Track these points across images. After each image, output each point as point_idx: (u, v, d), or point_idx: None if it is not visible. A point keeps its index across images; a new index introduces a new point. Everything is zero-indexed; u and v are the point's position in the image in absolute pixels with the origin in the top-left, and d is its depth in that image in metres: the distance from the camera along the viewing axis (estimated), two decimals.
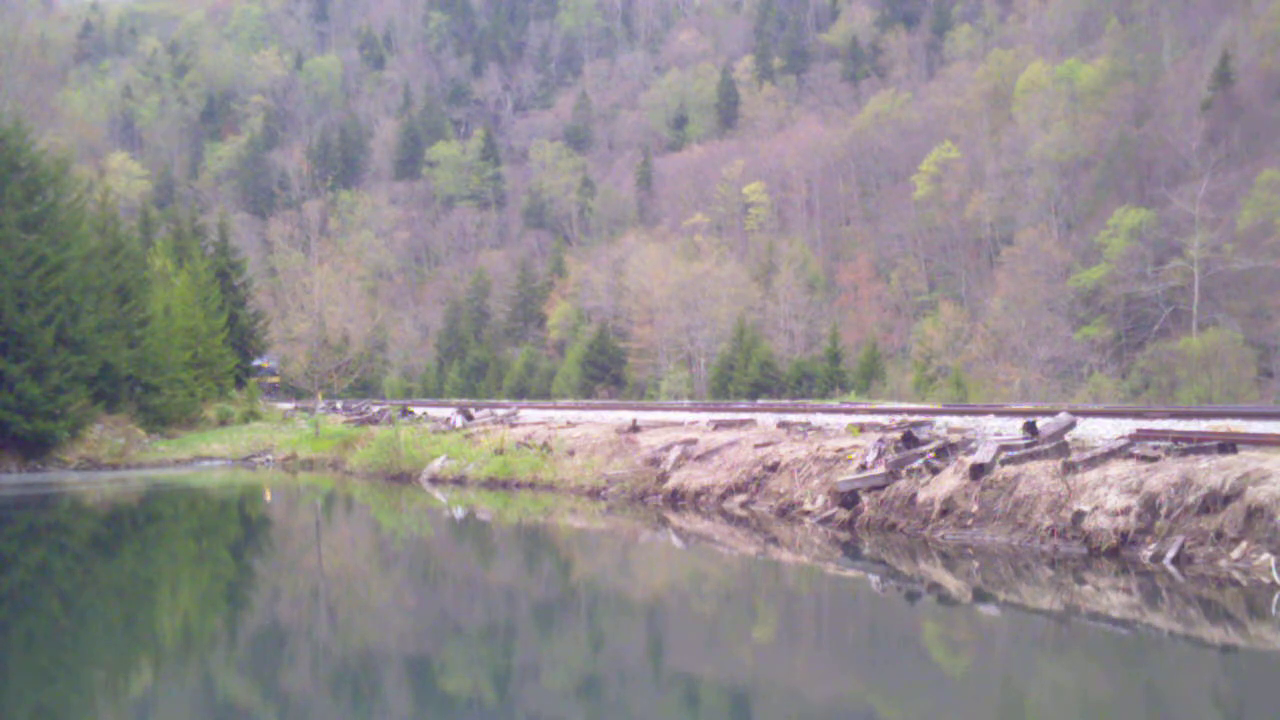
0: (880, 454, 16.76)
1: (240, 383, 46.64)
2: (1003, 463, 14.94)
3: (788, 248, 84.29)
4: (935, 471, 15.66)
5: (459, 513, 22.04)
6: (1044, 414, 19.23)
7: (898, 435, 17.41)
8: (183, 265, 46.34)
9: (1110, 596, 11.66)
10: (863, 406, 30.64)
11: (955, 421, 20.12)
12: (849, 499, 16.30)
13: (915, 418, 21.07)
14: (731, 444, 20.38)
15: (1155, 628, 10.60)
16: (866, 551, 14.82)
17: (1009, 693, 9.27)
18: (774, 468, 18.74)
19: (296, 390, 55.17)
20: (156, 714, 9.30)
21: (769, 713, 8.89)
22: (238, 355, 48.26)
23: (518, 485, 23.66)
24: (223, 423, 41.07)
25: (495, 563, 16.95)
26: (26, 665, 10.56)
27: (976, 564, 13.46)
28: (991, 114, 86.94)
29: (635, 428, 24.29)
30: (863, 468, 16.80)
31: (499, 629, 12.26)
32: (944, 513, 14.95)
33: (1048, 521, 13.67)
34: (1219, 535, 12.13)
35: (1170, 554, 12.22)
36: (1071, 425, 16.22)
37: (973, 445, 16.03)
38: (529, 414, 32.84)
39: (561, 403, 50.43)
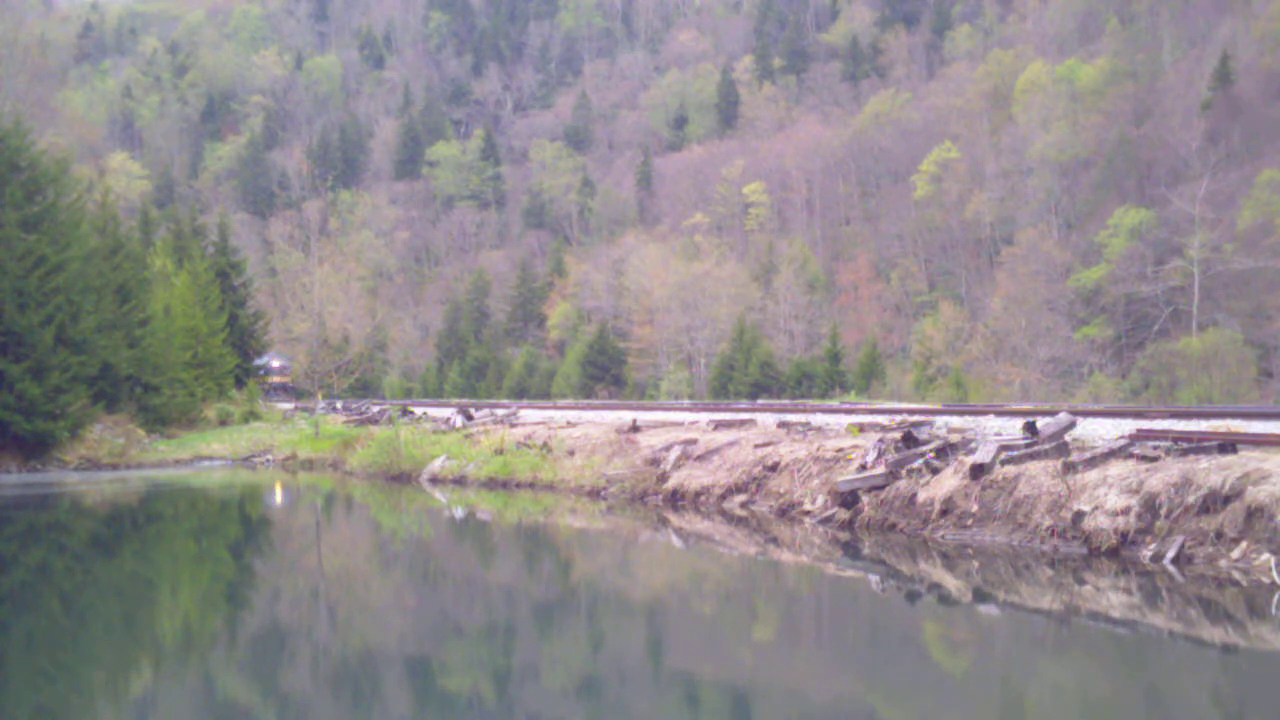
0: (880, 454, 16.76)
1: (240, 383, 46.64)
2: (1003, 463, 14.94)
3: (788, 248, 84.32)
4: (935, 471, 15.66)
5: (459, 513, 22.05)
6: (1044, 414, 19.23)
7: (898, 435, 17.41)
8: (183, 265, 46.33)
9: (1110, 596, 11.66)
10: (863, 406, 30.63)
11: (955, 421, 20.12)
12: (849, 499, 16.30)
13: (915, 418, 21.07)
14: (731, 444, 20.38)
15: (1155, 628, 10.60)
16: (866, 551, 14.82)
17: (1009, 693, 9.27)
18: (774, 468, 18.74)
19: (297, 390, 55.24)
20: (156, 714, 9.30)
21: (769, 713, 8.89)
22: (238, 355, 48.26)
23: (518, 485, 23.66)
24: (223, 423, 41.07)
25: (495, 563, 16.95)
26: (26, 665, 10.56)
27: (976, 564, 13.46)
28: (991, 114, 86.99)
29: (635, 428, 24.29)
30: (863, 468, 16.80)
31: (499, 629, 12.26)
32: (944, 513, 14.95)
33: (1048, 521, 13.67)
34: (1219, 535, 12.13)
35: (1170, 554, 12.22)
36: (1071, 425, 16.22)
37: (973, 445, 16.03)
38: (529, 414, 32.84)
39: (561, 403, 50.43)
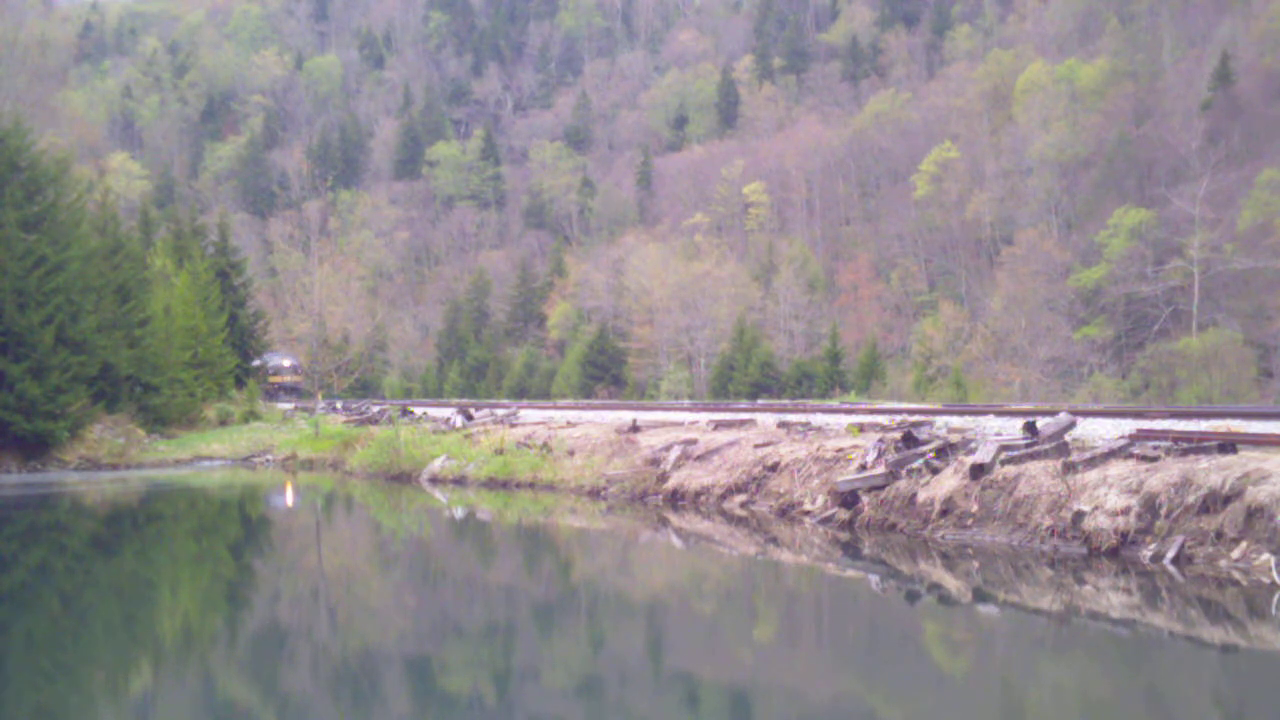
0: (880, 454, 16.76)
1: (240, 383, 46.62)
2: (1003, 463, 14.94)
3: (788, 248, 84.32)
4: (935, 471, 15.66)
5: (459, 513, 22.05)
6: (1044, 414, 19.23)
7: (898, 435, 17.40)
8: (183, 265, 46.32)
9: (1110, 596, 11.66)
10: (863, 406, 30.63)
11: (955, 421, 20.12)
12: (849, 499, 16.30)
13: (915, 418, 21.07)
14: (731, 444, 20.38)
15: (1155, 628, 10.60)
16: (866, 551, 14.82)
17: (1009, 693, 9.27)
18: (774, 468, 18.74)
19: (309, 391, 54.93)
20: (156, 714, 9.30)
21: (769, 713, 8.89)
22: (238, 355, 48.23)
23: (518, 485, 23.66)
24: (223, 423, 41.05)
25: (495, 563, 16.95)
26: (26, 665, 10.56)
27: (976, 564, 13.46)
28: (991, 114, 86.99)
29: (635, 428, 24.29)
30: (863, 468, 16.80)
31: (499, 629, 12.25)
32: (944, 513, 14.95)
33: (1048, 521, 13.67)
34: (1219, 535, 12.13)
35: (1170, 554, 12.22)
36: (1071, 425, 16.22)
37: (973, 445, 16.03)
38: (529, 414, 32.83)
39: (561, 403, 50.42)
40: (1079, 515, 13.31)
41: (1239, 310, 53.01)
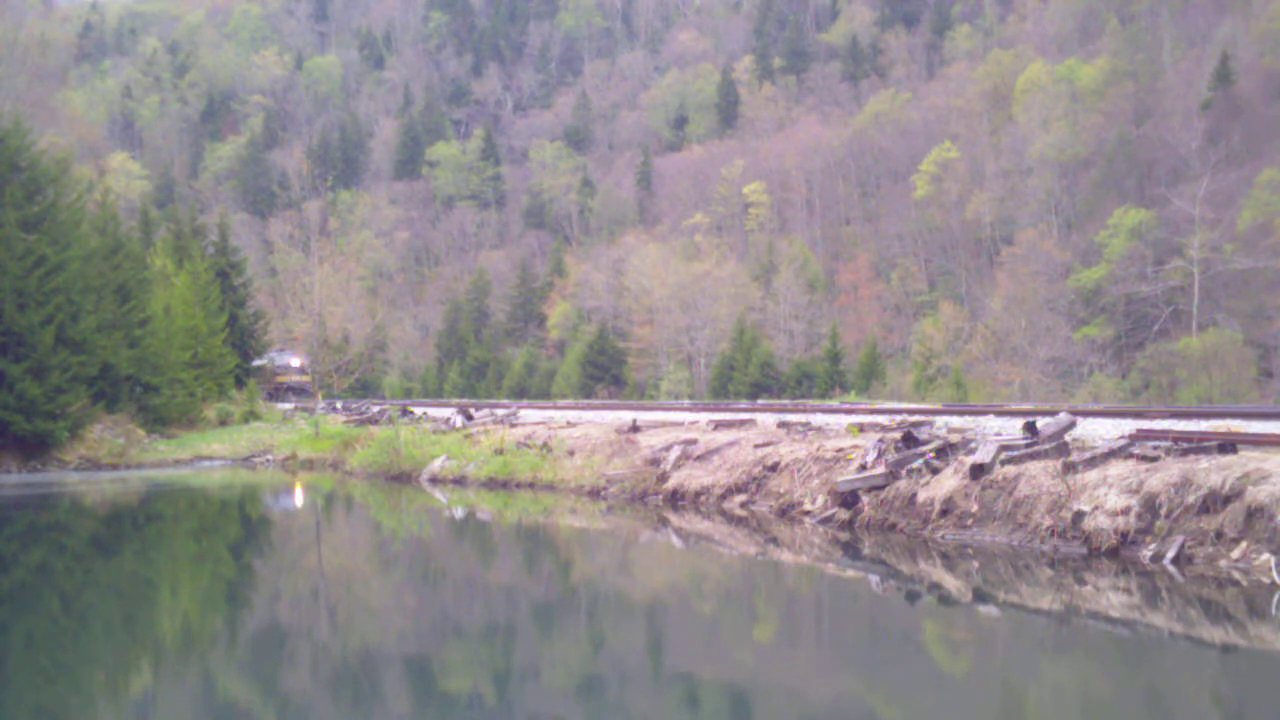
0: (880, 454, 16.76)
1: (240, 383, 46.61)
2: (1003, 463, 14.94)
3: (788, 248, 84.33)
4: (935, 471, 15.66)
5: (459, 513, 22.05)
6: (1044, 414, 19.23)
7: (898, 435, 17.40)
8: (183, 265, 46.32)
9: (1110, 596, 11.66)
10: (863, 406, 30.63)
11: (955, 421, 20.12)
12: (849, 499, 16.30)
13: (915, 418, 21.07)
14: (731, 444, 20.38)
15: (1155, 628, 10.60)
16: (866, 551, 14.82)
17: (1009, 693, 9.27)
18: (774, 468, 18.73)
19: (306, 390, 54.68)
20: (156, 714, 9.30)
21: (769, 713, 8.89)
22: (238, 355, 48.22)
23: (518, 485, 23.66)
24: (223, 423, 41.06)
25: (495, 563, 16.94)
26: (26, 665, 10.56)
27: (976, 564, 13.46)
28: (991, 114, 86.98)
29: (635, 428, 24.29)
30: (863, 468, 16.80)
31: (499, 629, 12.25)
32: (944, 513, 14.95)
33: (1048, 521, 13.67)
34: (1219, 535, 12.13)
35: (1170, 554, 12.22)
36: (1071, 425, 16.22)
37: (973, 445, 16.03)
38: (529, 414, 32.83)
39: (561, 403, 50.42)
40: (1079, 515, 13.31)
41: (1239, 310, 53.00)
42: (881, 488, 16.04)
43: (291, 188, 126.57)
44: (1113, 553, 12.80)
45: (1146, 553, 12.48)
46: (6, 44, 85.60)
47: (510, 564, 16.78)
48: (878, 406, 30.07)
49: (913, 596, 12.60)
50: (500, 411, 33.46)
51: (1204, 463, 12.96)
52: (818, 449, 18.39)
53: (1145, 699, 9.02)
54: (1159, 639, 10.32)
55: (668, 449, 21.20)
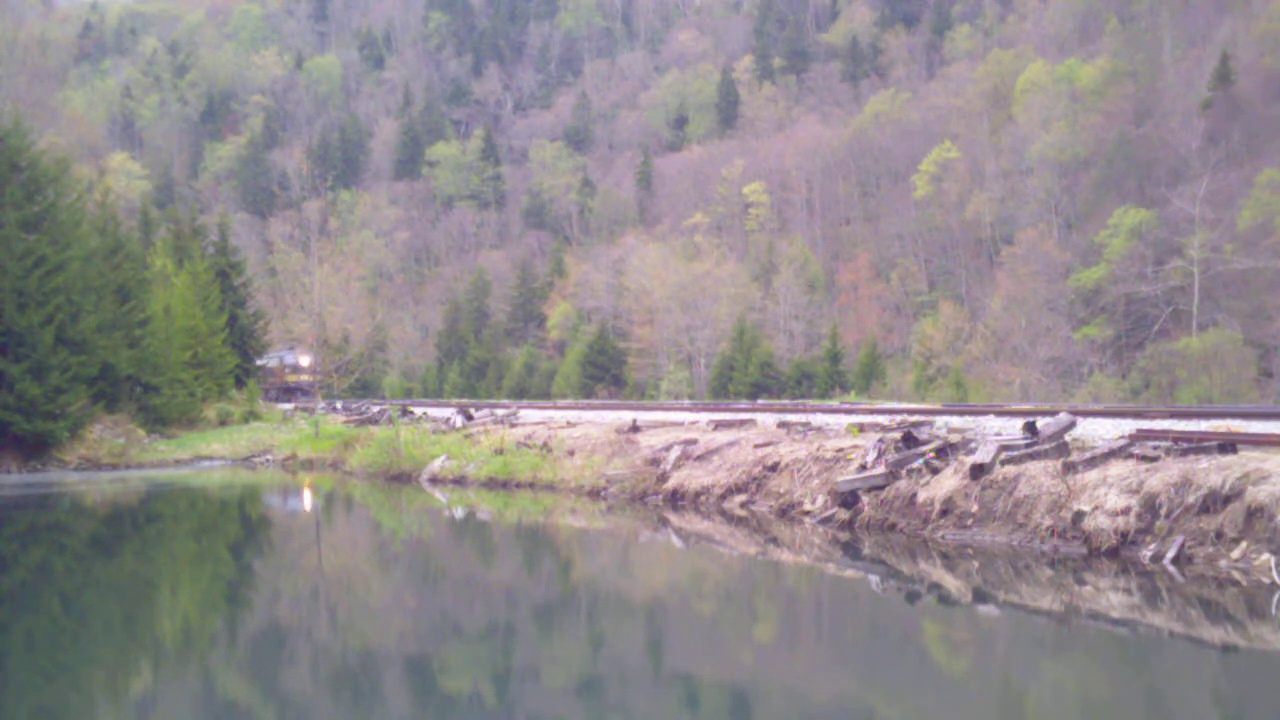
0: (880, 454, 16.76)
1: (240, 383, 46.61)
2: (1003, 463, 14.93)
3: (788, 248, 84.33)
4: (935, 471, 15.66)
5: (459, 513, 22.04)
6: (1044, 414, 19.23)
7: (898, 435, 17.40)
8: (183, 265, 46.32)
9: (1110, 596, 11.66)
10: (863, 406, 30.63)
11: (955, 421, 20.12)
12: (849, 499, 16.30)
13: (915, 418, 21.07)
14: (731, 444, 20.38)
15: (1155, 628, 10.60)
16: (866, 551, 14.82)
17: (1009, 693, 9.27)
18: (774, 468, 18.73)
19: (299, 390, 54.59)
20: (156, 714, 9.30)
21: (769, 713, 8.89)
22: (238, 355, 48.20)
23: (518, 485, 23.66)
24: (223, 423, 41.05)
25: (495, 563, 16.95)
26: (26, 665, 10.55)
27: (976, 564, 13.46)
28: (991, 114, 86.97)
29: (635, 428, 24.29)
30: (863, 468, 16.80)
31: (499, 629, 12.26)
32: (944, 513, 14.95)
33: (1048, 521, 13.66)
34: (1219, 535, 12.13)
35: (1170, 554, 12.22)
36: (1071, 425, 16.22)
37: (973, 445, 16.02)
38: (529, 414, 32.83)
39: (561, 403, 50.41)
40: (1079, 515, 13.31)
41: (1239, 310, 52.97)
42: (881, 488, 16.04)
43: (291, 188, 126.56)
44: (1113, 553, 12.80)
45: (1146, 553, 12.48)
46: (6, 44, 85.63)
47: (510, 564, 16.78)
48: (878, 406, 30.07)
49: (913, 596, 12.60)
50: (500, 411, 33.46)
51: (1204, 463, 12.96)
52: (818, 449, 18.39)
53: (1145, 699, 9.02)
54: (1159, 639, 10.32)
55: (668, 449, 21.20)
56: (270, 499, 27.09)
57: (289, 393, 55.53)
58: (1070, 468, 14.02)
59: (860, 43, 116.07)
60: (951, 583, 12.91)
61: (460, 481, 25.25)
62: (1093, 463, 14.02)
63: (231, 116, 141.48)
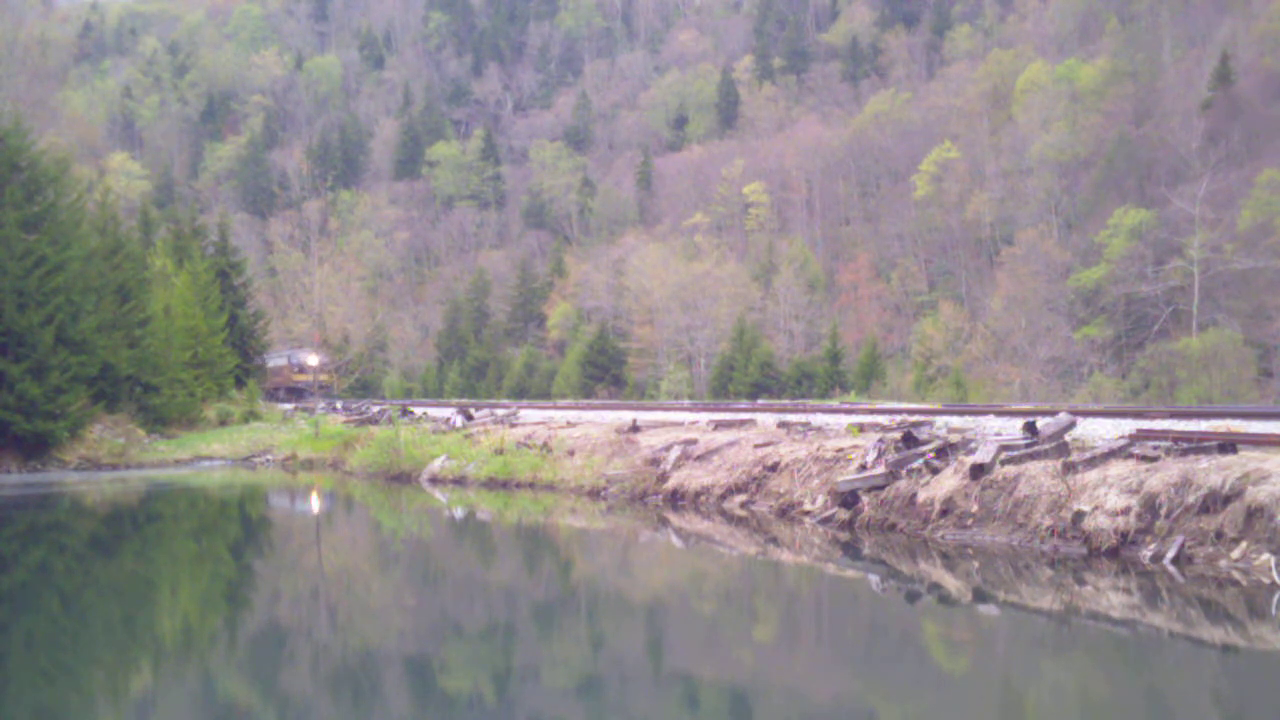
0: (880, 454, 16.76)
1: (240, 383, 46.62)
2: (1003, 463, 14.93)
3: (788, 248, 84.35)
4: (935, 471, 15.66)
5: (459, 513, 22.04)
6: (1044, 414, 19.23)
7: (898, 435, 17.40)
8: (183, 265, 46.32)
9: (1110, 596, 11.65)
10: (863, 406, 30.63)
11: (955, 421, 20.12)
12: (849, 499, 16.30)
13: (915, 418, 21.07)
14: (731, 444, 20.38)
15: (1155, 628, 10.60)
16: (866, 551, 14.82)
17: (1009, 693, 9.27)
18: (774, 468, 18.73)
19: (326, 390, 54.37)
20: (156, 714, 9.30)
21: (769, 713, 8.89)
22: (238, 355, 48.22)
23: (518, 485, 23.66)
24: (223, 423, 41.05)
25: (495, 563, 16.94)
26: (26, 665, 10.56)
27: (976, 564, 13.46)
28: (991, 114, 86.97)
29: (635, 428, 24.29)
30: (863, 468, 16.80)
31: (499, 629, 12.25)
32: (944, 513, 14.95)
33: (1048, 521, 13.66)
34: (1219, 535, 12.12)
35: (1170, 554, 12.22)
36: (1071, 425, 16.22)
37: (973, 445, 16.02)
38: (529, 414, 32.83)
39: (561, 403, 50.40)
40: (1079, 515, 13.31)
41: (1239, 310, 52.97)
42: (881, 488, 16.04)
43: (291, 188, 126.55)
44: (1113, 553, 12.80)
45: (1146, 553, 12.48)
46: (6, 44, 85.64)
47: (510, 564, 16.78)
48: (878, 406, 30.07)
49: (913, 596, 12.60)
50: (500, 411, 33.46)
51: (1204, 463, 12.95)
52: (818, 449, 18.38)
53: (1145, 699, 9.02)
54: (1159, 639, 10.32)
55: (668, 449, 21.20)
56: (270, 499, 27.09)
57: (298, 393, 55.30)
58: (1070, 468, 14.02)
59: (860, 43, 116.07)
60: (951, 583, 12.91)
61: (460, 481, 25.25)
62: (1093, 463, 14.02)
63: (231, 116, 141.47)
